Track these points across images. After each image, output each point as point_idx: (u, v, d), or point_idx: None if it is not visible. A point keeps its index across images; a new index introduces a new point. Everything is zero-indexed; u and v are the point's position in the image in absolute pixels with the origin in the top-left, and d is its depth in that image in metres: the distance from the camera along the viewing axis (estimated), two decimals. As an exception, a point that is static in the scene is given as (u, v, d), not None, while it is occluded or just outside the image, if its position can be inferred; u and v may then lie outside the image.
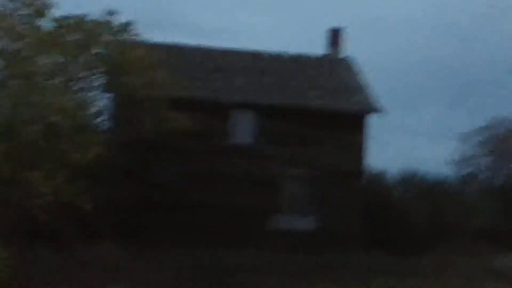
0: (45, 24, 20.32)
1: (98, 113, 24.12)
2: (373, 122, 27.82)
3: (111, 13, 22.24)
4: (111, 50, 21.96)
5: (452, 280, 22.44)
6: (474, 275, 23.48)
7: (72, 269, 18.07)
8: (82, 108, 19.83)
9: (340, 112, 27.24)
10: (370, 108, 27.19)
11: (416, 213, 33.23)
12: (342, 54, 30.72)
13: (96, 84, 23.34)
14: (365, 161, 27.74)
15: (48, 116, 17.21)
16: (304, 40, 41.75)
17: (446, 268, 24.79)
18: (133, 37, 22.91)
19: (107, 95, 24.62)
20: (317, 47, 31.33)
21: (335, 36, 30.61)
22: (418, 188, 36.56)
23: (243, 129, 26.60)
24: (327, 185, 26.89)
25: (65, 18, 20.91)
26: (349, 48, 31.08)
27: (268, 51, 30.24)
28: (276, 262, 23.75)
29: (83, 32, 20.72)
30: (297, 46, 39.21)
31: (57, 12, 20.57)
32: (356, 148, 27.28)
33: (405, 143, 57.92)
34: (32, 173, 16.59)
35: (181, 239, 24.70)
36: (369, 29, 61.25)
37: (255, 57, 29.73)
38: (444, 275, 23.48)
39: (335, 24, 30.95)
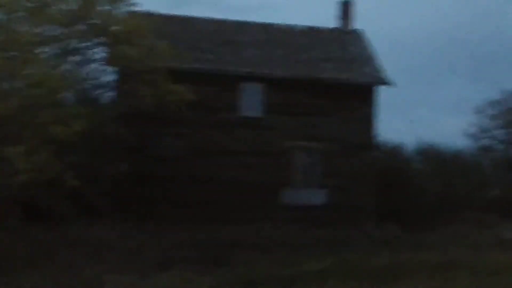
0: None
1: (100, 86, 21.60)
2: (389, 95, 25.03)
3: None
4: (107, 19, 19.18)
5: (459, 252, 19.74)
6: (481, 246, 21.14)
7: (61, 249, 15.64)
8: (68, 80, 17.01)
9: (349, 84, 24.47)
10: (379, 80, 24.35)
11: (430, 186, 30.60)
12: (352, 27, 27.67)
13: (97, 56, 20.85)
14: (376, 133, 24.79)
15: (27, 88, 14.60)
16: (316, 13, 38.67)
17: (455, 240, 22.40)
18: (131, 7, 20.06)
19: (110, 67, 21.96)
20: (329, 20, 28.47)
21: (345, 8, 27.62)
22: (434, 161, 33.91)
23: (252, 101, 23.94)
24: (338, 158, 24.19)
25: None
26: (363, 21, 28.16)
27: (279, 24, 27.36)
28: (283, 237, 21.49)
29: (77, 1, 18.00)
30: (310, 19, 36.42)
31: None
32: (366, 120, 24.58)
33: (426, 117, 55.21)
34: (11, 148, 14.00)
35: (185, 215, 22.41)
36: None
37: (266, 29, 26.99)
38: (452, 247, 20.89)
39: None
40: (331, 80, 24.20)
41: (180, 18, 26.53)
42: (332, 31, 27.62)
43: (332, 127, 24.18)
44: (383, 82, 24.30)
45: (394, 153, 31.39)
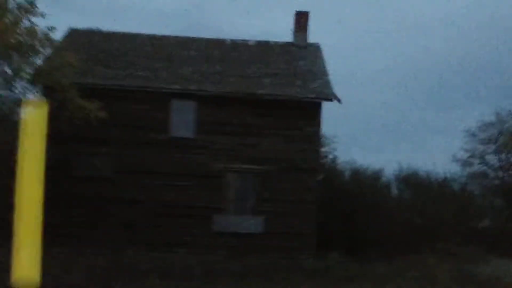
0: None
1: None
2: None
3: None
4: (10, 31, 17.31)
5: (400, 286, 17.19)
6: (434, 281, 18.21)
7: None
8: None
9: (291, 101, 21.88)
10: (324, 96, 21.67)
11: (400, 214, 27.65)
12: (307, 41, 25.22)
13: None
14: (321, 154, 22.10)
15: None
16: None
17: (405, 273, 19.33)
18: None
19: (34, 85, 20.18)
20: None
21: (300, 20, 25.25)
22: (414, 187, 30.99)
23: (183, 120, 21.73)
24: (277, 181, 21.57)
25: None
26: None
27: (226, 39, 25.13)
28: (204, 266, 18.95)
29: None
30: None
31: None
32: (310, 139, 21.90)
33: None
34: None
35: (108, 237, 20.17)
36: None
37: (211, 45, 24.75)
38: (397, 280, 18.02)
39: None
40: (269, 96, 21.71)
41: (121, 35, 24.73)
42: (284, 45, 25.21)
43: (270, 148, 21.73)
44: (328, 98, 21.67)
45: (357, 178, 28.70)
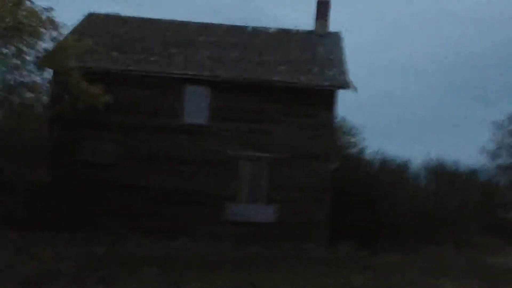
0: None
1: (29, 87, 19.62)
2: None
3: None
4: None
5: (405, 277, 16.47)
6: (447, 272, 17.39)
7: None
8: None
9: (305, 88, 21.30)
10: (339, 84, 21.08)
11: (424, 204, 26.86)
12: (327, 29, 24.71)
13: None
14: (333, 142, 21.58)
15: None
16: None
17: (418, 264, 18.68)
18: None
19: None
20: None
21: (321, 9, 24.73)
22: (440, 179, 30.12)
23: (196, 106, 21.35)
24: (290, 170, 21.12)
25: None
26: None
27: (248, 26, 24.79)
28: (211, 255, 18.61)
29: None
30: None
31: None
32: (323, 127, 21.31)
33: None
34: None
35: (116, 225, 19.98)
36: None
37: (229, 31, 24.40)
38: (406, 271, 17.43)
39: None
40: (283, 83, 21.24)
41: (139, 21, 24.65)
42: (304, 33, 24.74)
43: (284, 135, 21.26)
44: (343, 86, 21.10)
45: (382, 168, 28.02)
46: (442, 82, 60.06)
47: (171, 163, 21.01)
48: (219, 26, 24.74)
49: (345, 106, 32.31)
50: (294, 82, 21.22)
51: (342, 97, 21.69)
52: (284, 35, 24.46)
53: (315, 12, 24.83)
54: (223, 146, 21.13)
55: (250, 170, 21.23)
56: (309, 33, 24.73)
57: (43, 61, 18.63)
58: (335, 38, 24.18)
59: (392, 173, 28.29)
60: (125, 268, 15.82)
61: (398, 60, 59.02)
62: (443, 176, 30.17)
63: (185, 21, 24.93)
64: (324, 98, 21.28)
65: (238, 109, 21.28)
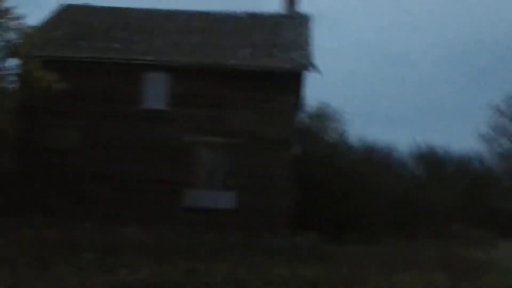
0: None
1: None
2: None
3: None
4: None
5: (360, 269, 15.52)
6: (413, 265, 16.45)
7: None
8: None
9: (266, 71, 20.62)
10: (302, 66, 20.34)
11: (406, 194, 25.91)
12: (297, 10, 24.01)
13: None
14: (294, 127, 20.86)
15: None
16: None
17: (380, 257, 17.84)
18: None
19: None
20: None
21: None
22: (428, 166, 29.15)
23: (156, 92, 20.95)
24: (250, 156, 20.49)
25: None
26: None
27: (214, 11, 24.28)
28: (163, 242, 18.11)
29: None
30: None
31: None
32: (285, 111, 20.59)
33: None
34: None
35: (70, 211, 19.83)
36: None
37: (201, 17, 23.91)
38: (362, 264, 16.48)
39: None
40: (242, 67, 20.64)
41: (109, 10, 24.55)
42: (272, 16, 24.07)
43: (243, 120, 20.66)
44: (304, 68, 20.38)
45: (359, 153, 27.17)
46: (458, 69, 58.54)
47: (130, 149, 20.71)
48: (185, 12, 24.35)
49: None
50: (252, 66, 20.61)
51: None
52: (251, 19, 23.83)
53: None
54: (181, 132, 20.70)
55: (209, 156, 20.72)
56: (278, 16, 24.03)
57: (10, 51, 18.61)
58: (304, 20, 23.45)
59: (370, 160, 27.45)
60: (66, 253, 15.54)
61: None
62: (431, 163, 29.20)
63: (152, 8, 24.57)
64: (284, 82, 20.55)
65: (198, 94, 20.80)
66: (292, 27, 23.02)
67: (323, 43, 61.86)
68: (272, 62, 20.74)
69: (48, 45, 21.06)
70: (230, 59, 20.93)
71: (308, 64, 20.37)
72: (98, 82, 20.97)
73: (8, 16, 18.66)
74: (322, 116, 30.92)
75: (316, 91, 29.82)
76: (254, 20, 23.74)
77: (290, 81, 20.60)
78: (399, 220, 23.76)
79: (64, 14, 24.14)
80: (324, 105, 31.34)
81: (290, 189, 20.40)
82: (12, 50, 18.98)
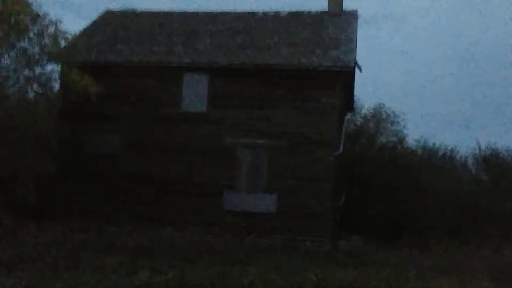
0: None
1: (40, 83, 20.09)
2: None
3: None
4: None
5: (399, 274, 14.71)
6: (451, 271, 15.55)
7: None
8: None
9: (309, 70, 20.01)
10: (343, 64, 19.70)
11: (465, 198, 24.62)
12: (342, 8, 23.42)
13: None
14: (337, 127, 20.20)
15: None
16: None
17: (422, 262, 16.94)
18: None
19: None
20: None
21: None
22: (493, 170, 27.58)
23: (195, 94, 20.72)
24: (291, 157, 20.00)
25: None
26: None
27: (265, 12, 23.93)
28: (201, 245, 17.92)
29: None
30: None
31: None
32: (328, 111, 19.92)
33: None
34: None
35: (113, 214, 20.04)
36: None
37: (244, 18, 23.64)
38: (406, 268, 15.77)
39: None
40: (282, 66, 20.15)
41: (151, 14, 24.56)
42: (316, 14, 23.50)
43: (284, 121, 20.15)
44: (347, 66, 19.72)
45: (416, 156, 26.16)
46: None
47: (171, 152, 20.65)
48: (228, 14, 24.06)
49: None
50: (293, 64, 20.07)
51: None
52: (295, 18, 23.31)
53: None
54: (222, 134, 20.36)
55: (250, 158, 20.28)
56: (321, 14, 23.44)
57: (54, 57, 18.94)
58: (349, 18, 22.76)
59: (427, 163, 26.40)
60: (101, 254, 15.52)
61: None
62: (494, 166, 27.75)
63: (193, 11, 24.45)
64: (326, 81, 19.94)
65: (238, 95, 20.46)
66: (336, 25, 22.35)
67: (387, 43, 60.92)
68: (313, 60, 20.12)
69: (89, 50, 21.29)
70: (271, 58, 20.47)
71: (349, 62, 19.69)
72: (139, 86, 21.01)
73: (45, 23, 18.87)
74: (378, 117, 30.09)
75: (373, 91, 29.20)
76: (298, 18, 23.20)
77: (333, 79, 19.92)
78: (456, 224, 22.64)
79: (106, 19, 24.42)
80: (380, 106, 30.55)
81: (331, 191, 19.72)
82: (51, 56, 19.15)
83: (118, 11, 25.05)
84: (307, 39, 21.56)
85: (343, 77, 20.29)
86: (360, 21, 33.84)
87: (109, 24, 23.94)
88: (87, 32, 23.17)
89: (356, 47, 20.84)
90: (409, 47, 62.66)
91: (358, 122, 29.22)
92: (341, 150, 20.12)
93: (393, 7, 57.32)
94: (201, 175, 20.37)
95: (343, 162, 22.94)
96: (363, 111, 30.05)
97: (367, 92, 39.11)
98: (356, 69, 20.16)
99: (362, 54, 51.89)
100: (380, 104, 30.12)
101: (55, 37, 18.71)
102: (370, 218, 22.01)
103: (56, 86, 20.74)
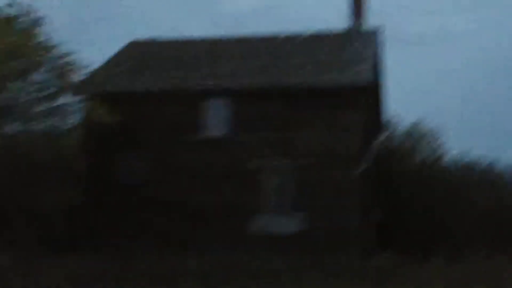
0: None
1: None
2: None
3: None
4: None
5: None
6: (489, 283, 15.15)
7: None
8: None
9: (330, 88, 20.00)
10: (362, 82, 19.62)
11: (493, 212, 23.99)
12: (363, 25, 23.41)
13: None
14: (363, 142, 20.07)
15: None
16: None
17: (454, 277, 16.51)
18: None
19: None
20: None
21: (357, 5, 23.37)
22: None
23: (217, 118, 20.91)
24: (317, 176, 19.88)
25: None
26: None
27: (288, 34, 24.09)
28: (230, 268, 17.79)
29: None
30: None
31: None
32: (351, 127, 19.84)
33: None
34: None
35: (146, 243, 20.18)
36: None
37: (266, 41, 23.84)
38: (435, 282, 15.42)
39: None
40: (302, 85, 20.20)
41: (175, 42, 24.98)
42: (338, 34, 23.55)
43: (308, 140, 20.06)
44: (365, 83, 19.66)
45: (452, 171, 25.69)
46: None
47: (197, 178, 20.68)
48: (251, 38, 24.29)
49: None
50: (314, 83, 20.11)
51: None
52: (316, 38, 23.41)
53: (351, 9, 23.57)
54: (246, 157, 20.43)
55: (276, 180, 20.27)
56: (343, 33, 23.48)
57: (79, 88, 19.43)
58: (370, 35, 22.74)
59: (464, 178, 25.85)
60: (121, 284, 15.67)
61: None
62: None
63: (217, 37, 24.77)
64: (348, 98, 19.90)
65: (261, 117, 20.53)
66: (358, 43, 22.34)
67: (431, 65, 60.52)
68: (334, 78, 20.12)
69: (112, 80, 21.73)
70: (292, 78, 20.56)
71: (368, 79, 19.63)
72: (162, 113, 21.22)
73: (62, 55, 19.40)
74: (415, 133, 29.76)
75: (411, 107, 29.06)
76: (319, 39, 23.29)
77: (354, 97, 19.85)
78: (494, 240, 22.02)
79: (130, 49, 24.79)
80: (418, 122, 30.19)
81: (360, 207, 19.53)
82: (70, 88, 19.65)
83: (143, 41, 25.54)
84: (328, 57, 21.59)
85: (366, 93, 20.19)
86: (403, 41, 33.82)
87: (132, 54, 24.37)
88: (111, 62, 23.68)
89: (378, 64, 20.77)
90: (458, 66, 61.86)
91: (395, 139, 28.97)
92: (367, 166, 19.95)
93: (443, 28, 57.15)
94: (227, 199, 20.36)
95: (379, 179, 22.75)
96: (401, 128, 29.77)
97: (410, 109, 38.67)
98: (382, 85, 20.02)
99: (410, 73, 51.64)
100: (418, 120, 29.78)
101: (74, 69, 19.24)
102: (408, 234, 21.65)
103: (78, 117, 21.20)
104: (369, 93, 20.75)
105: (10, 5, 18.44)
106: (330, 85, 19.88)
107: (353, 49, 21.87)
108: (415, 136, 29.07)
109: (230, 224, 20.20)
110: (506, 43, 60.60)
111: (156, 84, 21.56)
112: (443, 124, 36.98)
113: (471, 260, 19.15)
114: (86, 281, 15.68)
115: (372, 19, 54.54)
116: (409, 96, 44.47)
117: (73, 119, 21.04)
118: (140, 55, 24.13)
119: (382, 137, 26.34)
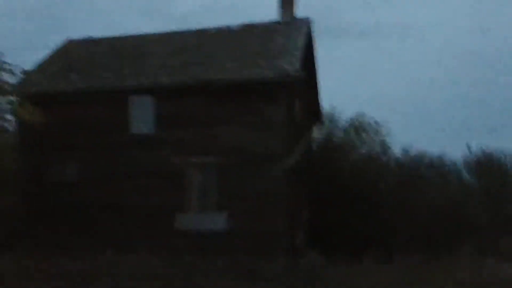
0: None
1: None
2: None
3: None
4: None
5: None
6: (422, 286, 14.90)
7: None
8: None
9: (252, 83, 19.48)
10: (287, 74, 19.09)
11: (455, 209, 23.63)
12: (294, 16, 22.94)
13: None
14: (290, 139, 19.61)
15: None
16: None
17: (375, 277, 16.19)
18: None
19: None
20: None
21: (285, -5, 22.86)
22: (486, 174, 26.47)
23: (142, 116, 20.43)
24: (241, 174, 19.43)
25: None
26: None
27: (218, 27, 23.56)
28: (150, 268, 17.47)
29: None
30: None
31: None
32: (274, 124, 19.34)
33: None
34: None
35: (73, 242, 20.23)
36: None
37: (193, 36, 23.34)
38: (360, 284, 15.22)
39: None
40: (227, 81, 19.65)
41: (107, 40, 24.37)
42: (268, 25, 23.04)
43: (231, 137, 19.61)
44: (290, 76, 19.12)
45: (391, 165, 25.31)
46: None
47: (124, 177, 20.39)
48: (179, 33, 23.78)
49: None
50: (236, 78, 19.57)
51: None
52: (246, 30, 22.85)
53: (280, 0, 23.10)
54: (171, 155, 19.99)
55: (199, 177, 19.81)
56: (271, 24, 22.95)
57: (11, 89, 19.31)
58: (301, 25, 22.20)
59: (407, 174, 25.48)
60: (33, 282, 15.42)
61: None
62: (488, 171, 26.59)
63: (146, 33, 24.24)
64: (270, 93, 19.39)
65: (183, 114, 20.07)
66: (286, 34, 21.81)
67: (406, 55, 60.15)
68: (257, 72, 19.60)
69: (43, 81, 21.46)
70: (214, 74, 20.02)
71: (292, 72, 19.09)
72: (90, 113, 20.95)
73: None
74: (356, 127, 29.24)
75: (360, 101, 28.66)
76: (248, 31, 22.74)
77: (276, 91, 19.34)
78: (432, 239, 21.67)
79: (65, 49, 24.37)
80: (360, 116, 29.67)
81: (285, 207, 19.05)
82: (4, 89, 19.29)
83: (77, 41, 24.99)
84: (253, 51, 21.07)
85: (292, 87, 19.70)
86: (357, 32, 32.99)
87: (66, 54, 23.92)
88: (45, 63, 23.19)
89: (309, 57, 20.28)
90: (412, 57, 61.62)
91: (334, 133, 28.46)
92: (292, 164, 19.47)
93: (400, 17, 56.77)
94: (152, 197, 20.01)
95: (309, 177, 22.32)
96: (341, 121, 29.26)
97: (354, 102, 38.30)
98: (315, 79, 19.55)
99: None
100: (359, 112, 29.28)
101: (6, 69, 18.82)
102: (339, 234, 21.24)
103: (10, 118, 20.83)
104: (296, 87, 20.23)
105: None
106: (253, 79, 19.31)
107: (279, 41, 21.33)
108: (356, 130, 28.59)
109: (155, 222, 19.92)
110: (465, 37, 60.60)
111: (85, 83, 21.07)
112: (387, 117, 36.67)
113: (402, 263, 18.84)
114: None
115: (323, 11, 54.38)
116: (357, 90, 44.11)
117: (6, 120, 20.65)
118: (75, 54, 23.62)
119: (316, 132, 25.88)
